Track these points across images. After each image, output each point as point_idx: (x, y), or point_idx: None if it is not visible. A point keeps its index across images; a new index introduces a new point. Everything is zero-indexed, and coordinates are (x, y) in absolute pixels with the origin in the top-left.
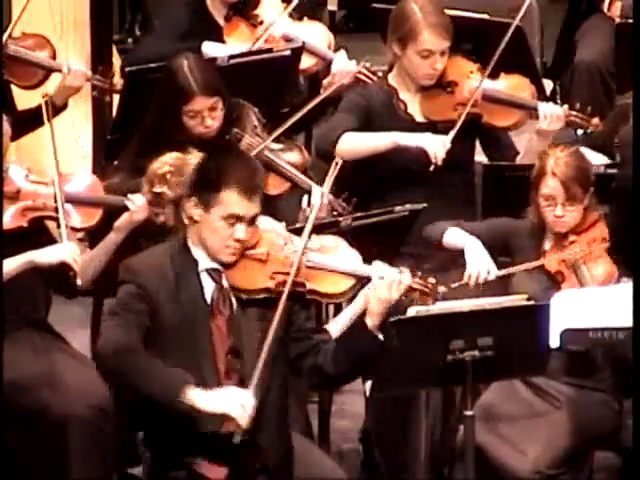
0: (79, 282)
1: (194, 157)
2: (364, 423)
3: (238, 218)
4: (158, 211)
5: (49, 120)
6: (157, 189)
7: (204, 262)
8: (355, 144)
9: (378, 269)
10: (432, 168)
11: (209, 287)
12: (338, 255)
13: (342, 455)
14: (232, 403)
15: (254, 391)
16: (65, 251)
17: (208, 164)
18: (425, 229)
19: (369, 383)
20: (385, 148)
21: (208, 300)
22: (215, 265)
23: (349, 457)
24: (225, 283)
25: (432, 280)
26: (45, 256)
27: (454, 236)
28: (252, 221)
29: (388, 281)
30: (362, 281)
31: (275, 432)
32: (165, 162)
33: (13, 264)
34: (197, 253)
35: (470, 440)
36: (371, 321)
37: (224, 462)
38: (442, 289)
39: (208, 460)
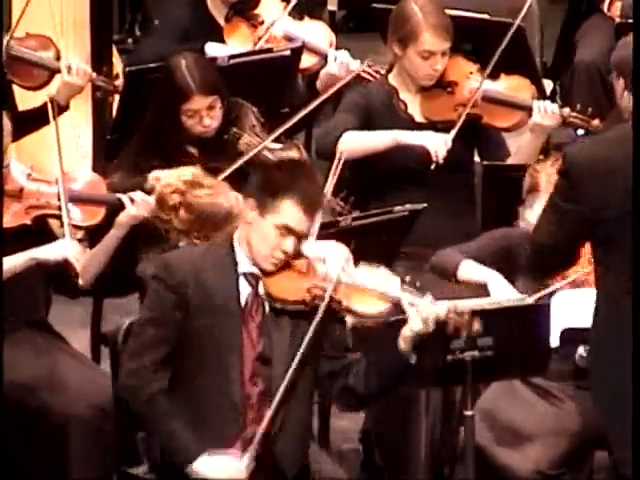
0: (80, 282)
1: (207, 190)
2: (364, 423)
3: (291, 231)
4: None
5: (54, 118)
6: (165, 217)
7: (244, 265)
8: (355, 143)
9: (415, 302)
10: (433, 167)
11: (244, 291)
12: (375, 275)
13: (342, 455)
14: (230, 472)
15: (252, 456)
16: (68, 248)
17: (276, 170)
18: (435, 260)
19: None
20: (386, 146)
21: (242, 304)
22: (254, 269)
23: (349, 457)
24: (261, 289)
25: (467, 311)
26: (48, 252)
27: (471, 272)
28: (303, 238)
29: (424, 315)
30: (398, 307)
31: (296, 447)
32: (176, 189)
33: (16, 261)
34: (240, 255)
35: (470, 440)
36: (403, 344)
37: None
38: (477, 327)
39: None
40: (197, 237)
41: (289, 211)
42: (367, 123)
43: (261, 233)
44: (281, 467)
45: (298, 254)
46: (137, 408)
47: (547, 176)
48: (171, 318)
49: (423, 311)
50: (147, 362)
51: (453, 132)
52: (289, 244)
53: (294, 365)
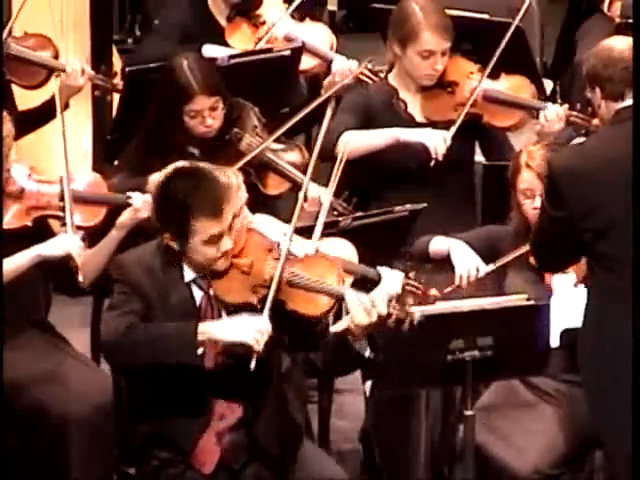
0: (80, 278)
1: None
2: (364, 423)
3: (218, 237)
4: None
5: (61, 112)
6: None
7: (189, 274)
8: (355, 142)
9: (353, 294)
10: (432, 163)
11: (197, 294)
12: (319, 272)
13: (342, 455)
14: (248, 330)
15: (268, 315)
16: (70, 243)
17: (166, 202)
18: (412, 247)
19: (369, 383)
20: (386, 144)
21: (197, 305)
22: (201, 274)
23: (349, 457)
24: (212, 291)
25: (410, 309)
26: (52, 248)
27: (438, 244)
28: (232, 228)
29: (364, 306)
30: (343, 300)
31: (273, 420)
32: None
33: (22, 259)
34: (183, 264)
35: (470, 440)
36: (353, 337)
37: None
38: (417, 318)
39: (198, 446)
40: None
41: (206, 225)
42: (367, 123)
43: (195, 253)
44: (263, 447)
45: (242, 250)
46: (121, 341)
47: (528, 154)
48: (137, 302)
49: (366, 305)
50: (122, 320)
51: (453, 129)
52: (226, 244)
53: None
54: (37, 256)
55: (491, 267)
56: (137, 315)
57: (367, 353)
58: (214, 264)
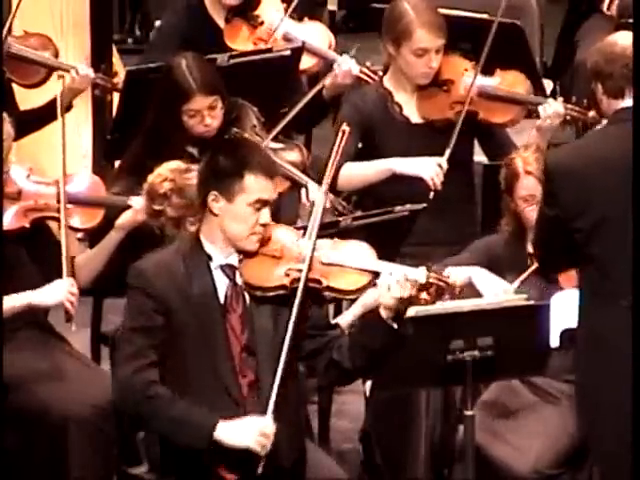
0: (73, 328)
1: (195, 173)
2: (364, 423)
3: (264, 202)
4: (157, 224)
5: (62, 115)
6: (158, 207)
7: (218, 258)
8: (354, 177)
9: (393, 270)
10: (432, 196)
11: (222, 284)
12: (352, 251)
13: (342, 455)
14: (253, 436)
15: (272, 415)
16: (62, 292)
17: (223, 155)
18: None
19: (369, 383)
20: (384, 176)
21: (221, 297)
22: (229, 261)
23: (349, 457)
24: (239, 280)
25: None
26: (44, 298)
27: (453, 275)
28: (270, 205)
29: (400, 278)
30: (378, 277)
31: (290, 432)
32: (166, 178)
33: (14, 303)
34: (210, 249)
35: (470, 440)
36: (385, 314)
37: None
38: (459, 285)
39: (221, 467)
40: (192, 223)
41: (256, 185)
42: (365, 132)
43: (236, 217)
44: (278, 455)
45: (269, 239)
46: (140, 407)
47: (524, 159)
48: (156, 324)
49: (401, 277)
50: (139, 366)
51: (448, 151)
52: (265, 215)
53: (284, 353)
54: (28, 304)
55: (516, 284)
56: (153, 347)
57: (395, 326)
58: (247, 240)
